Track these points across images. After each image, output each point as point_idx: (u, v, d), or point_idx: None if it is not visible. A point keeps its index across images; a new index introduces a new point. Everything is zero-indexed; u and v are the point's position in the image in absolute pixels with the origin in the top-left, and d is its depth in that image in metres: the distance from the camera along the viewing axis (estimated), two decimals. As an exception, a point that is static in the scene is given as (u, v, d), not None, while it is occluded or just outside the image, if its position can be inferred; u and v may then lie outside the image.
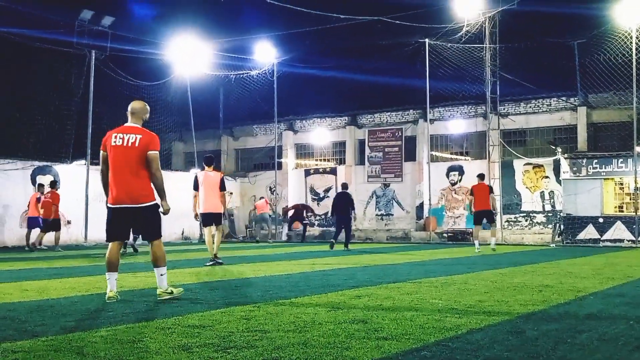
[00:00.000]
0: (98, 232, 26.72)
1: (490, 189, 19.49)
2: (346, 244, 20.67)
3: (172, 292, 7.46)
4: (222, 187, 13.61)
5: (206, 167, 13.80)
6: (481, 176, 19.70)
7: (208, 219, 13.52)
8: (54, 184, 22.13)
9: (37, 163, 25.75)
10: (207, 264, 13.21)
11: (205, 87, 33.18)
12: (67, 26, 27.28)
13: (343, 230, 20.75)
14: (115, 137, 7.38)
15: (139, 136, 7.34)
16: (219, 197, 13.56)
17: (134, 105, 7.64)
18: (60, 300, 7.47)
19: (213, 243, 13.47)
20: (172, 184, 32.85)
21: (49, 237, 22.03)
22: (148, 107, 7.71)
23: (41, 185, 22.58)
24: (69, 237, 26.19)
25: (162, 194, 7.49)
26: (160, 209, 7.50)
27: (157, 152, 7.38)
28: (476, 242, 19.31)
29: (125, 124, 7.55)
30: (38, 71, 30.95)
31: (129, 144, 7.30)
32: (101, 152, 7.51)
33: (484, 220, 19.13)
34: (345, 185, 21.81)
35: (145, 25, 35.39)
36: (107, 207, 7.45)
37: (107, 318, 6.04)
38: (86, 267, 13.19)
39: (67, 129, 28.03)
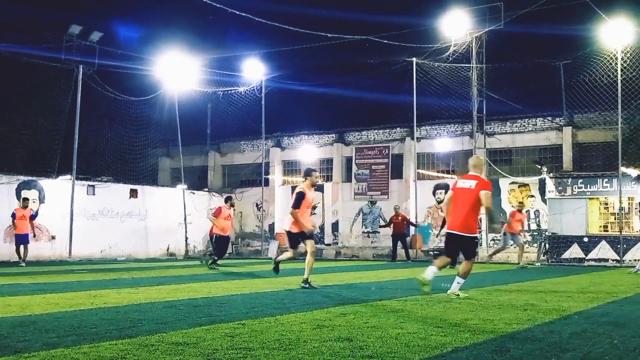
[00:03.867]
0: (82, 247, 26.69)
1: None
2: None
3: (459, 295, 9.66)
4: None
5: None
6: None
7: None
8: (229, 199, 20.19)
9: (22, 177, 25.56)
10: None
11: (193, 103, 33.16)
12: (55, 41, 27.24)
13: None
14: (460, 182, 10.03)
15: (475, 182, 9.74)
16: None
17: (475, 161, 10.29)
18: (43, 316, 7.41)
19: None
20: (158, 200, 32.84)
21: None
22: (483, 160, 10.08)
23: (25, 199, 22.43)
24: (53, 253, 25.99)
25: (492, 219, 10.70)
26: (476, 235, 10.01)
27: (489, 192, 9.70)
28: None
29: (468, 173, 10.04)
30: (25, 85, 30.85)
31: (467, 187, 9.75)
32: (450, 191, 10.17)
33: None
34: None
35: (133, 41, 35.50)
36: (446, 231, 10.18)
37: (90, 334, 5.99)
38: (70, 282, 13.07)
39: (54, 144, 27.90)
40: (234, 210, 20.58)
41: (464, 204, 9.70)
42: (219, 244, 19.58)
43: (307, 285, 11.44)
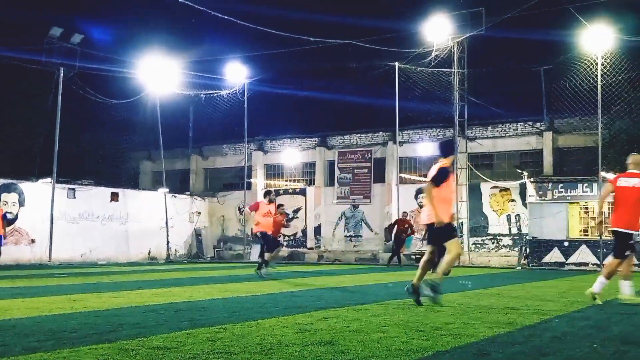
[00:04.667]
0: (63, 251, 26.48)
1: None
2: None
3: (633, 300, 9.55)
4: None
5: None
6: None
7: None
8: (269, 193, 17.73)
9: (2, 180, 25.33)
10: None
11: (175, 106, 33.06)
12: (35, 43, 27.02)
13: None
14: (622, 180, 9.81)
15: (638, 179, 9.66)
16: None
17: (636, 159, 9.88)
18: (22, 320, 7.33)
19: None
20: (139, 203, 32.65)
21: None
22: None
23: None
24: (33, 256, 25.76)
25: None
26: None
27: None
28: None
29: (628, 171, 9.88)
30: (5, 88, 30.58)
31: (631, 185, 9.65)
32: (609, 184, 10.05)
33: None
34: None
35: (115, 44, 35.28)
36: (616, 230, 9.80)
37: (70, 339, 5.94)
38: (50, 286, 12.97)
39: (34, 147, 27.67)
40: (276, 207, 18.19)
41: (631, 202, 9.66)
42: (265, 242, 17.14)
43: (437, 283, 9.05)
